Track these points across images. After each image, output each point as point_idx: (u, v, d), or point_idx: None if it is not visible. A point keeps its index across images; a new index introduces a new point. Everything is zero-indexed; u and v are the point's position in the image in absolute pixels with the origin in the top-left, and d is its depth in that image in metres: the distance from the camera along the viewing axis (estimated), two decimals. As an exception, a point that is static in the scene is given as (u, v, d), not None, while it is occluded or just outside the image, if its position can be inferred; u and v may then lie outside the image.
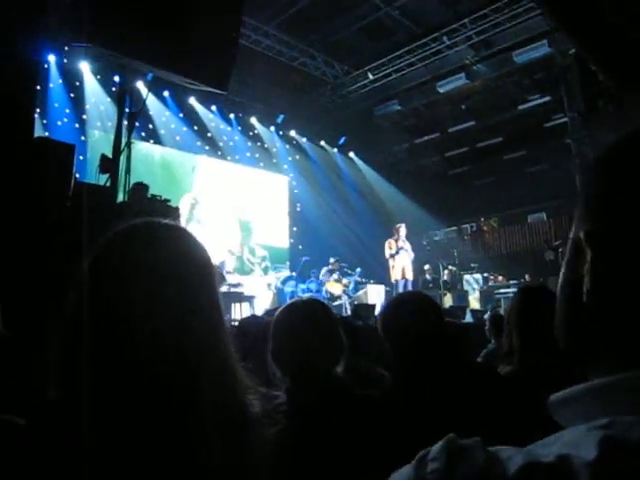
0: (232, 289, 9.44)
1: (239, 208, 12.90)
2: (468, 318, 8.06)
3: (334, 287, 11.08)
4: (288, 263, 13.56)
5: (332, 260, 11.46)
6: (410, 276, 10.29)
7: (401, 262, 10.19)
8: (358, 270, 12.30)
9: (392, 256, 10.22)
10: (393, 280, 10.31)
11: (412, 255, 10.35)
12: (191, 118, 12.00)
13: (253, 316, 3.66)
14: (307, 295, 10.29)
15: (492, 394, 1.75)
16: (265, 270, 13.03)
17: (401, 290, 9.88)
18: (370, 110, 13.39)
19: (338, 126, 14.07)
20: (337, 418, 1.48)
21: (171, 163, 11.75)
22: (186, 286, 0.79)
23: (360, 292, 11.62)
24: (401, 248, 10.20)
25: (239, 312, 8.69)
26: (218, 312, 0.85)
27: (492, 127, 13.39)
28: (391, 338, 1.82)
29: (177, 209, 6.52)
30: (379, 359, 2.51)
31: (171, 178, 11.53)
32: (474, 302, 11.72)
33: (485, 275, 12.77)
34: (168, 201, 6.50)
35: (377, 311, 8.44)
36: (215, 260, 9.85)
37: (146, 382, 0.72)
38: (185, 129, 11.97)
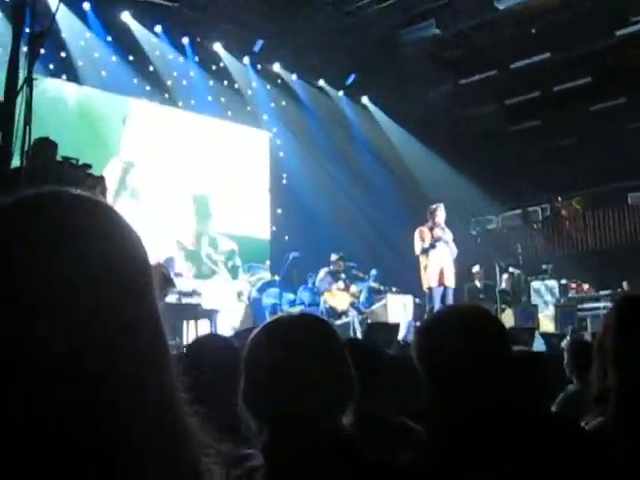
0: (184, 299, 9.62)
1: (195, 179, 13.00)
2: (538, 345, 8.18)
3: (338, 298, 11.30)
4: (269, 262, 13.77)
5: (335, 257, 11.58)
6: (451, 282, 10.34)
7: (438, 261, 10.23)
8: (373, 273, 12.41)
9: (425, 252, 10.27)
10: (426, 287, 10.38)
11: (455, 251, 10.42)
12: (124, 43, 12.02)
13: (213, 336, 3.87)
14: (297, 309, 10.81)
15: (576, 459, 1.75)
16: (233, 271, 13.30)
17: (438, 303, 9.95)
18: (393, 35, 13.18)
19: (345, 58, 13.80)
20: None
21: (93, 110, 11.84)
22: (106, 293, 0.79)
23: (377, 305, 11.88)
24: (438, 239, 10.26)
25: (195, 334, 8.77)
26: (156, 333, 0.85)
27: (576, 62, 13.25)
28: (433, 373, 1.86)
29: (102, 179, 6.66)
30: (406, 404, 2.58)
31: (94, 133, 11.66)
32: (546, 322, 12.02)
33: (563, 282, 12.97)
34: (88, 167, 6.56)
35: (402, 332, 9.43)
36: (157, 255, 10.43)
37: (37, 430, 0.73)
38: (115, 59, 12.03)
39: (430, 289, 10.22)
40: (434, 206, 10.52)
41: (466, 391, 1.78)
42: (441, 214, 10.40)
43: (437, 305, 9.90)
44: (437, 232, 10.27)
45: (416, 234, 10.39)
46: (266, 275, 13.26)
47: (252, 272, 13.35)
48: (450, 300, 10.07)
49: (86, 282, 0.77)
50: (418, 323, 10.62)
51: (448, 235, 10.40)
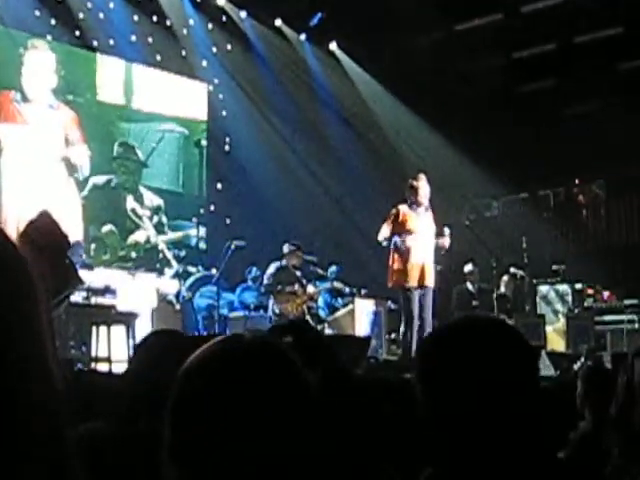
0: (94, 299, 9.80)
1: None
2: (545, 370, 8.40)
3: (291, 301, 11.59)
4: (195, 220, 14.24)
5: (288, 249, 11.79)
6: (431, 281, 10.05)
7: (421, 253, 9.92)
8: (333, 269, 12.72)
9: (400, 241, 9.92)
10: (399, 287, 10.10)
11: (448, 240, 10.23)
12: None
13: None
14: (240, 314, 11.80)
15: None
16: (160, 228, 14.04)
17: (417, 309, 9.79)
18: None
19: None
20: None
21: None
22: None
23: (341, 312, 12.30)
24: (422, 219, 9.97)
25: (106, 343, 9.08)
26: (38, 350, 0.89)
27: (604, 6, 13.38)
28: (439, 410, 1.90)
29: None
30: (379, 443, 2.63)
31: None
32: (556, 338, 12.46)
33: (578, 287, 13.21)
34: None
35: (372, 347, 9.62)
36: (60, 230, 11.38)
37: None
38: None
39: (409, 291, 9.92)
40: (416, 177, 10.25)
41: (483, 435, 1.82)
42: (424, 187, 10.08)
43: (417, 312, 9.81)
44: (420, 212, 10.01)
45: (389, 217, 10.07)
46: (192, 233, 13.72)
47: (180, 229, 14.10)
48: (430, 305, 10.00)
49: None
50: (392, 335, 11.68)
51: (429, 216, 10.16)
